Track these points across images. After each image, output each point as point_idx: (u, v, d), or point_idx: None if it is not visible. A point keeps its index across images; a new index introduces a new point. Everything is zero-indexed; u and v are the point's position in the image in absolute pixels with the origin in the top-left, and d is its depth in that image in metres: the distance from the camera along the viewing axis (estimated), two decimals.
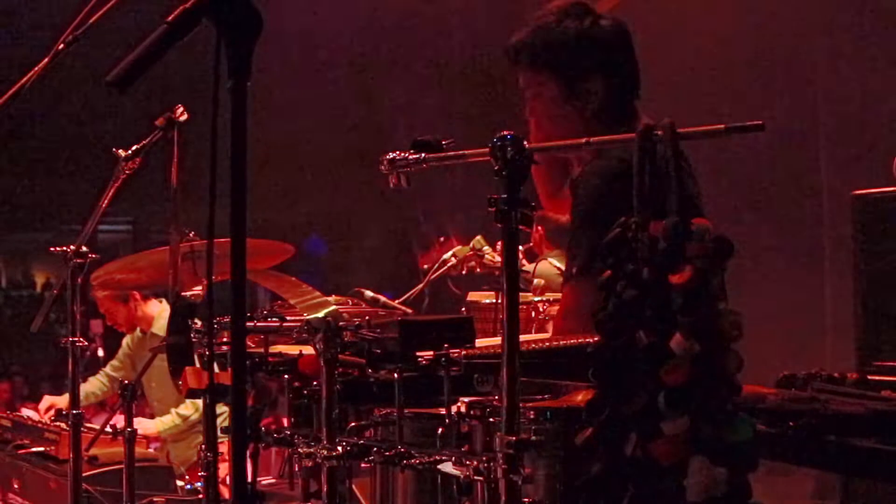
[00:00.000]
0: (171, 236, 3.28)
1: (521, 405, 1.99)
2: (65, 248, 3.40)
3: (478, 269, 3.73)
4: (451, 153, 2.32)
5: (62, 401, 4.99)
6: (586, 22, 2.69)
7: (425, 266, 3.70)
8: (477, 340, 2.48)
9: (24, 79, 2.68)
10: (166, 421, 5.17)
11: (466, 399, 2.27)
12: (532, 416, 2.17)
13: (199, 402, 4.97)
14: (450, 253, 3.69)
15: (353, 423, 2.49)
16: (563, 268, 3.71)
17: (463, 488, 2.13)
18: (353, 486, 2.52)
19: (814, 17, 6.71)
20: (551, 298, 3.51)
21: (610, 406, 1.88)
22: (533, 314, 3.52)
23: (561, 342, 2.56)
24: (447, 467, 2.18)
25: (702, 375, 1.82)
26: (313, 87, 10.49)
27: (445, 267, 3.63)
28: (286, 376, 2.60)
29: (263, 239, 3.88)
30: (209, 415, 2.96)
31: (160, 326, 5.05)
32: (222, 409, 3.88)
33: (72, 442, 3.44)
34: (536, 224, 3.05)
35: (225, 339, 2.49)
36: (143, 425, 4.90)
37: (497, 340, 2.23)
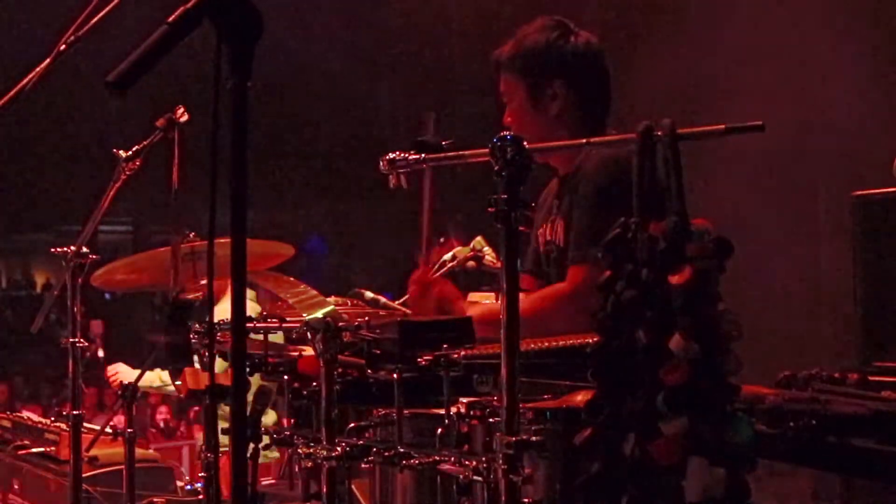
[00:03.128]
0: (172, 237, 3.28)
1: (520, 405, 1.99)
2: (65, 249, 3.40)
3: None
4: (451, 153, 2.33)
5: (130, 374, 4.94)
6: (556, 34, 2.96)
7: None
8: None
9: (26, 79, 2.68)
10: (151, 377, 5.14)
11: (466, 399, 2.28)
12: (532, 416, 2.17)
13: None
14: (450, 253, 3.69)
15: (352, 424, 2.49)
16: None
17: (463, 488, 2.13)
18: (353, 487, 2.53)
19: (814, 17, 6.72)
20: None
21: (609, 406, 1.88)
22: None
23: (561, 342, 2.56)
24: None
25: (701, 376, 1.82)
26: (313, 87, 10.50)
27: (445, 267, 3.62)
28: (286, 377, 2.60)
29: (263, 240, 3.87)
30: (209, 415, 2.96)
31: None
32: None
33: (72, 442, 3.44)
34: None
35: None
36: (122, 370, 4.95)
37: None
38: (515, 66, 2.95)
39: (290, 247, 3.97)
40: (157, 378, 5.16)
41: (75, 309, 3.39)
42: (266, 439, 2.60)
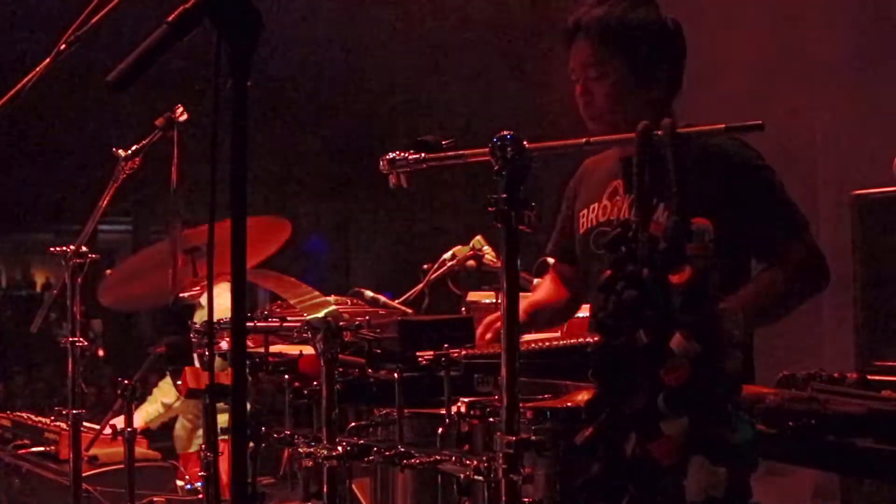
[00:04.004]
0: (171, 236, 3.28)
1: (521, 405, 1.99)
2: (64, 248, 3.40)
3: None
4: (451, 153, 2.33)
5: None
6: (657, 13, 2.80)
7: (425, 266, 3.69)
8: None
9: (26, 79, 2.68)
10: (151, 411, 5.18)
11: (466, 399, 2.28)
12: (532, 416, 2.17)
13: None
14: (449, 253, 3.69)
15: (353, 423, 2.49)
16: None
17: (463, 488, 2.13)
18: (353, 486, 2.53)
19: (814, 16, 6.71)
20: None
21: (610, 406, 1.88)
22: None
23: (561, 342, 2.56)
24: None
25: (702, 375, 1.82)
26: (313, 86, 10.49)
27: (445, 266, 3.62)
28: (286, 376, 2.60)
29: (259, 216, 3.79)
30: (209, 415, 2.96)
31: None
32: None
33: (72, 442, 3.44)
34: None
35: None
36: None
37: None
38: (616, 40, 2.76)
39: (287, 222, 3.89)
40: (158, 408, 5.18)
41: (75, 308, 3.39)
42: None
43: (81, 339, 3.42)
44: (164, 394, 5.26)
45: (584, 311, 3.26)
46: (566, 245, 3.10)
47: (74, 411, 3.42)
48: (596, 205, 2.95)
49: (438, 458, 2.22)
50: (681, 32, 2.85)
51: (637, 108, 2.73)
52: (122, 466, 3.51)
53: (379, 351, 2.37)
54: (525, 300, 2.99)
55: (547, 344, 2.57)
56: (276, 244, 3.84)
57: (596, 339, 1.92)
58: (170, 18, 1.59)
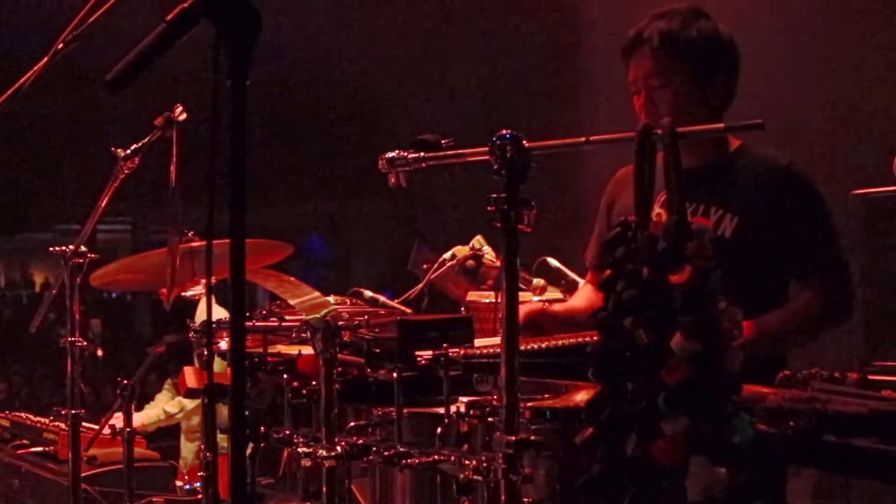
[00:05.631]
0: (170, 236, 3.28)
1: (520, 404, 1.99)
2: (64, 248, 3.39)
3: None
4: (451, 152, 2.32)
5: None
6: (715, 25, 2.94)
7: (425, 266, 3.69)
8: (476, 340, 2.48)
9: (24, 78, 2.67)
10: (151, 415, 5.18)
11: (466, 399, 2.27)
12: (531, 416, 2.17)
13: (186, 402, 4.99)
14: (449, 253, 3.68)
15: (351, 423, 2.49)
16: (561, 267, 3.72)
17: (463, 488, 2.13)
18: (353, 486, 2.52)
19: (814, 16, 6.71)
20: (551, 298, 3.50)
21: (610, 406, 1.88)
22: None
23: (560, 342, 2.56)
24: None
25: (702, 375, 1.82)
26: (313, 86, 10.49)
27: (445, 266, 3.62)
28: (285, 376, 2.60)
29: (263, 239, 3.87)
30: (209, 415, 2.96)
31: None
32: None
33: (71, 442, 3.44)
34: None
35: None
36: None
37: (496, 340, 2.22)
38: (681, 51, 2.87)
39: (289, 245, 3.96)
40: (159, 413, 5.19)
41: (74, 308, 3.38)
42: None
43: (80, 339, 3.42)
44: (167, 401, 5.26)
45: None
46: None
47: (73, 411, 3.41)
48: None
49: (437, 457, 2.22)
50: (735, 44, 2.97)
51: (698, 115, 2.83)
52: (120, 467, 3.50)
53: (378, 351, 2.37)
54: (562, 305, 3.10)
55: (546, 343, 2.56)
56: (274, 260, 3.88)
57: (596, 338, 1.92)
58: (169, 18, 1.59)
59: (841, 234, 2.90)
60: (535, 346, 2.54)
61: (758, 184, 2.83)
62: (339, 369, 2.41)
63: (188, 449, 5.19)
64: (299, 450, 2.42)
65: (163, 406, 5.21)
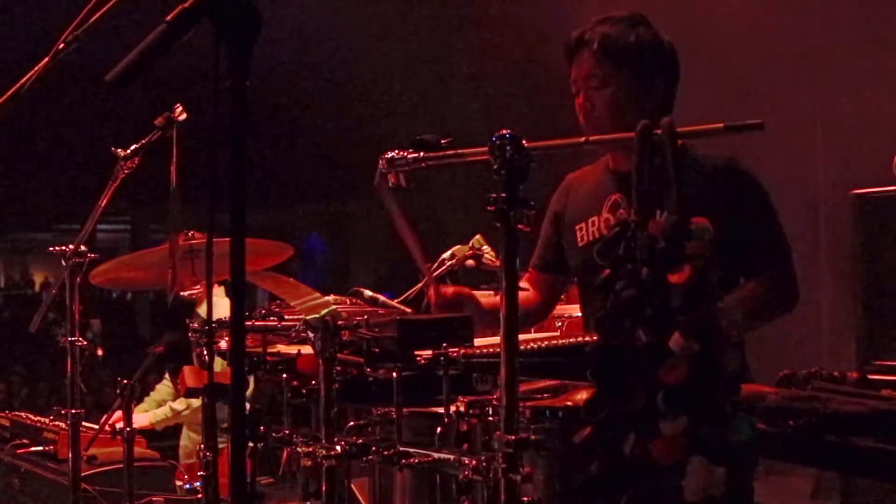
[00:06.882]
0: (170, 235, 3.28)
1: (520, 404, 1.99)
2: (63, 248, 3.39)
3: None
4: (450, 152, 2.32)
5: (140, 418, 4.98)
6: (656, 33, 3.01)
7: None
8: (476, 340, 2.48)
9: (24, 78, 2.67)
10: (159, 413, 5.20)
11: (465, 398, 2.27)
12: (531, 416, 2.17)
13: (193, 399, 5.00)
14: (449, 252, 3.68)
15: (351, 423, 2.49)
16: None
17: (462, 487, 2.13)
18: (352, 486, 2.52)
19: (813, 16, 6.71)
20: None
21: (609, 405, 1.88)
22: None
23: (560, 341, 2.56)
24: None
25: (701, 375, 1.82)
26: (313, 85, 10.49)
27: (445, 266, 3.61)
28: (285, 375, 2.60)
29: (263, 239, 3.87)
30: (209, 414, 2.96)
31: None
32: None
33: (71, 441, 3.44)
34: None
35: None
36: (135, 417, 4.92)
37: (496, 340, 2.23)
38: (618, 53, 2.94)
39: (289, 246, 3.97)
40: (167, 411, 5.20)
41: (74, 308, 3.38)
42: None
43: (80, 338, 3.42)
44: (166, 395, 5.28)
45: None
46: (551, 257, 3.20)
47: (73, 411, 3.41)
48: (596, 217, 3.04)
49: (437, 457, 2.22)
50: (675, 53, 3.05)
51: (635, 118, 2.82)
52: (120, 466, 3.50)
53: (377, 350, 2.37)
54: (490, 298, 3.06)
55: (546, 343, 2.56)
56: (274, 262, 3.89)
57: (595, 338, 1.92)
58: (169, 17, 1.59)
59: (783, 225, 2.95)
60: (535, 346, 2.54)
61: (701, 182, 2.85)
62: (339, 369, 2.41)
63: (188, 437, 5.20)
64: (299, 449, 2.42)
65: (170, 404, 5.22)
